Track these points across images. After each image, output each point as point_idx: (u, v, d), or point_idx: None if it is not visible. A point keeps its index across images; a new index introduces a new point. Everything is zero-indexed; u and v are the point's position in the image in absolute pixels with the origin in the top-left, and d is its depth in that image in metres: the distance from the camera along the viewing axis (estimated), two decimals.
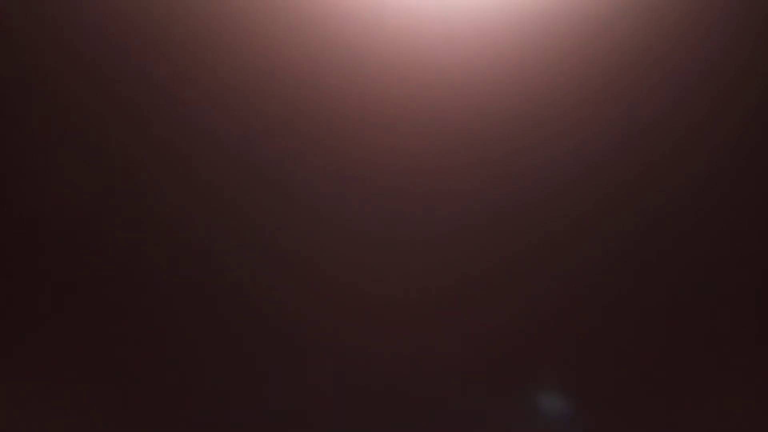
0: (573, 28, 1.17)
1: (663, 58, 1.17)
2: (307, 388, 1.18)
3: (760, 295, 1.16)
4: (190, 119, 1.19)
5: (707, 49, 1.17)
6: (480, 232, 1.18)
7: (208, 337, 1.18)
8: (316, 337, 1.18)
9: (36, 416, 1.17)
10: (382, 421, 1.18)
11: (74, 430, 1.17)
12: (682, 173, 1.17)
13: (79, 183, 1.19)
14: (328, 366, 1.18)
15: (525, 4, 1.17)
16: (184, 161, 1.19)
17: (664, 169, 1.17)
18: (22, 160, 1.19)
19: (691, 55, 1.17)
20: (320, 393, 1.18)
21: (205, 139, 1.19)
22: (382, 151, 1.18)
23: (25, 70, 1.20)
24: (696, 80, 1.17)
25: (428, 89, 1.18)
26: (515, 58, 1.17)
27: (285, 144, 1.19)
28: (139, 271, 1.19)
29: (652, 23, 1.17)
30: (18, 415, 1.17)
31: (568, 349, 1.17)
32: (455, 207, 1.18)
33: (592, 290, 1.17)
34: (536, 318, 1.17)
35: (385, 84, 1.18)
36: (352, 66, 1.18)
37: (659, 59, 1.17)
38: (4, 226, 1.19)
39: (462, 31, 1.17)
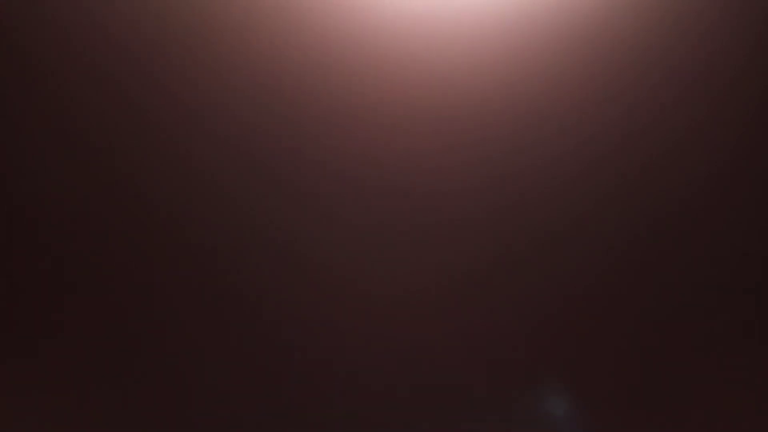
0: (573, 27, 1.16)
1: (663, 58, 1.16)
2: (308, 387, 1.18)
3: (760, 294, 1.16)
4: (192, 119, 1.19)
5: (707, 48, 1.17)
6: (481, 231, 1.18)
7: (209, 336, 1.18)
8: (318, 336, 1.18)
9: (36, 416, 1.17)
10: (382, 420, 1.18)
11: (75, 431, 1.17)
12: (682, 173, 1.17)
13: (81, 182, 1.19)
14: (329, 365, 1.18)
15: (525, 4, 1.17)
16: (186, 160, 1.19)
17: (664, 168, 1.17)
18: (23, 160, 1.19)
19: (691, 54, 1.17)
20: (321, 392, 1.18)
21: (207, 139, 1.19)
22: (384, 151, 1.18)
23: (26, 70, 1.20)
24: (696, 80, 1.17)
25: (429, 88, 1.17)
26: (516, 58, 1.17)
27: (286, 143, 1.19)
28: (141, 271, 1.18)
29: (652, 23, 1.16)
30: (19, 415, 1.17)
31: (569, 348, 1.17)
32: (456, 206, 1.18)
33: (592, 290, 1.17)
34: (537, 317, 1.17)
35: (386, 83, 1.18)
36: (353, 65, 1.18)
37: (659, 58, 1.16)
38: (6, 226, 1.19)
39: (463, 30, 1.17)
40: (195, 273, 1.18)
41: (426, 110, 1.18)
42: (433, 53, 1.17)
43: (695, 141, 1.17)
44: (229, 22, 1.18)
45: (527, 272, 1.17)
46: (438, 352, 1.18)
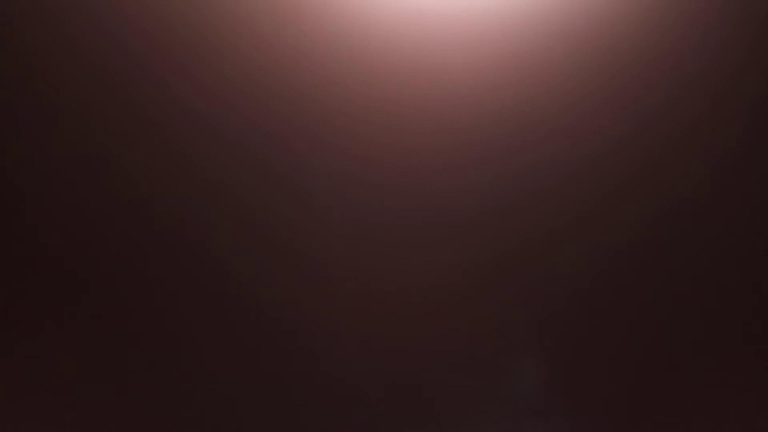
0: (574, 27, 1.16)
1: (662, 57, 1.16)
2: (308, 386, 1.18)
3: (760, 294, 1.15)
4: (193, 118, 1.19)
5: (706, 47, 1.17)
6: (482, 229, 1.18)
7: (210, 335, 1.18)
8: (321, 335, 1.18)
9: (36, 415, 1.17)
10: (384, 418, 1.17)
11: (75, 430, 1.17)
12: (682, 171, 1.17)
13: (82, 180, 1.19)
14: (330, 364, 1.18)
15: (525, 4, 1.17)
16: (190, 161, 1.19)
17: (664, 167, 1.17)
18: (25, 159, 1.20)
19: (690, 53, 1.17)
20: (321, 391, 1.17)
21: (211, 139, 1.19)
22: (385, 150, 1.18)
23: (28, 70, 1.20)
24: (695, 79, 1.17)
25: (430, 88, 1.17)
26: (516, 57, 1.17)
27: (289, 143, 1.19)
28: (144, 271, 1.19)
29: (651, 22, 1.16)
30: (18, 415, 1.17)
31: (569, 347, 1.17)
32: (457, 205, 1.18)
33: (592, 288, 1.17)
34: (537, 315, 1.17)
35: (386, 83, 1.18)
36: (354, 65, 1.18)
37: (658, 58, 1.16)
38: (7, 225, 1.19)
39: (463, 30, 1.17)
40: (196, 272, 1.18)
41: (426, 110, 1.18)
42: (433, 53, 1.17)
43: (695, 139, 1.17)
44: (235, 22, 1.18)
45: (528, 271, 1.17)
46: (439, 351, 1.18)
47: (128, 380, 1.17)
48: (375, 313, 1.18)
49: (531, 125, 1.17)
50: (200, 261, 1.18)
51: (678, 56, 1.16)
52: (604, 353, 1.17)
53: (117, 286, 1.18)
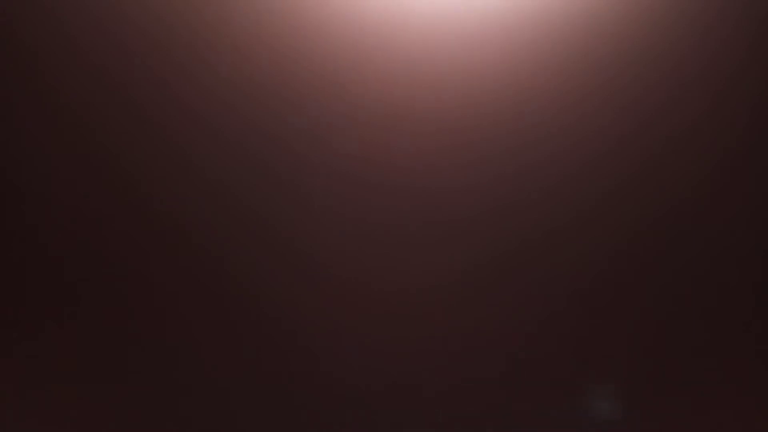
0: (574, 27, 1.16)
1: (662, 57, 1.16)
2: (311, 386, 1.18)
3: (760, 293, 1.16)
4: (195, 119, 1.19)
5: (706, 47, 1.17)
6: (483, 229, 1.18)
7: (213, 336, 1.18)
8: (321, 334, 1.18)
9: (36, 416, 1.17)
10: (385, 419, 1.17)
11: (75, 430, 1.17)
12: (682, 171, 1.17)
13: (84, 182, 1.19)
14: (332, 363, 1.18)
15: (525, 4, 1.17)
16: (190, 161, 1.19)
17: (665, 167, 1.17)
18: (26, 159, 1.20)
19: (690, 53, 1.17)
20: (322, 391, 1.17)
21: (211, 139, 1.19)
22: (386, 150, 1.18)
23: (28, 71, 1.20)
24: (695, 79, 1.17)
25: (430, 89, 1.17)
26: (516, 58, 1.17)
27: (289, 143, 1.19)
28: (143, 271, 1.18)
29: (652, 23, 1.16)
30: (19, 415, 1.17)
31: (570, 347, 1.17)
32: (457, 205, 1.18)
33: (593, 288, 1.17)
34: (538, 315, 1.17)
35: (387, 83, 1.18)
36: (354, 66, 1.18)
37: (658, 58, 1.16)
38: (7, 226, 1.19)
39: (463, 32, 1.17)
40: (196, 272, 1.18)
41: (428, 110, 1.17)
42: (432, 54, 1.17)
43: (695, 139, 1.17)
44: (232, 22, 1.18)
45: (528, 271, 1.17)
46: (440, 351, 1.18)
47: (128, 380, 1.17)
48: (375, 313, 1.18)
49: (531, 126, 1.17)
50: (200, 261, 1.18)
51: (678, 56, 1.16)
52: (603, 353, 1.17)
53: (117, 286, 1.18)
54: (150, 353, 1.17)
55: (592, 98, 1.16)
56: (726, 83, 1.16)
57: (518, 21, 1.17)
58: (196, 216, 1.18)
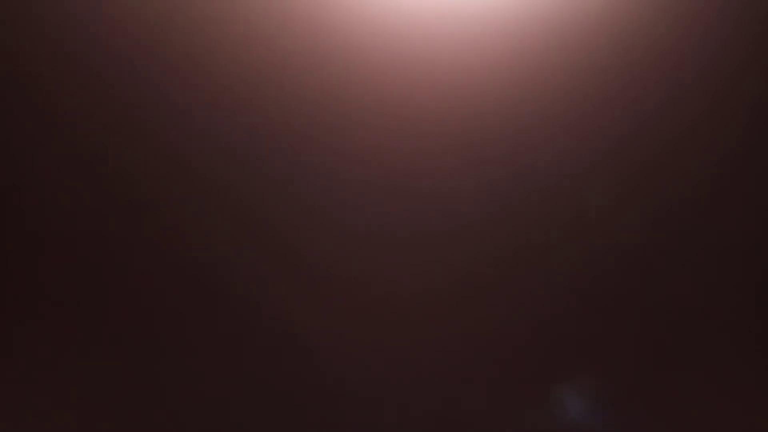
0: (576, 28, 1.17)
1: (663, 57, 1.17)
2: (307, 388, 1.17)
3: (761, 293, 1.16)
4: (189, 121, 1.18)
5: (707, 47, 1.17)
6: (484, 231, 1.18)
7: (210, 339, 1.18)
8: (320, 338, 1.17)
9: (36, 416, 1.16)
10: (384, 423, 1.17)
11: (72, 430, 1.16)
12: (685, 171, 1.17)
13: (80, 185, 1.18)
14: (330, 366, 1.17)
15: (526, 5, 1.17)
16: (186, 164, 1.19)
17: (666, 167, 1.17)
18: (18, 163, 1.19)
19: (690, 53, 1.17)
20: (322, 393, 1.17)
21: (207, 143, 1.19)
22: (385, 152, 1.18)
23: (23, 77, 1.19)
24: (696, 79, 1.17)
25: (429, 90, 1.18)
26: (517, 58, 1.17)
27: (286, 146, 1.19)
28: (142, 274, 1.18)
29: (653, 24, 1.17)
30: (18, 415, 1.16)
31: (573, 350, 1.17)
32: (458, 206, 1.18)
33: (596, 290, 1.17)
34: (541, 319, 1.17)
35: (386, 84, 1.18)
36: (353, 66, 1.18)
37: (659, 58, 1.17)
38: (5, 231, 1.17)
39: (463, 31, 1.17)
40: (193, 276, 1.18)
41: (427, 111, 1.18)
42: (434, 54, 1.18)
43: (697, 139, 1.17)
44: (229, 25, 1.18)
45: (532, 272, 1.18)
46: (442, 354, 1.17)
47: (126, 383, 1.17)
48: (373, 316, 1.18)
49: (533, 127, 1.18)
50: (195, 261, 1.18)
51: (679, 57, 1.17)
52: (605, 354, 1.17)
53: (117, 290, 1.18)
54: (150, 355, 1.17)
55: (594, 98, 1.17)
56: (728, 83, 1.17)
57: (519, 21, 1.17)
58: (196, 220, 1.18)
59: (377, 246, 1.18)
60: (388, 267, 1.18)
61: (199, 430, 1.17)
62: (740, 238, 1.17)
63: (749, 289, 1.16)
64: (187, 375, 1.17)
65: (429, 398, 1.17)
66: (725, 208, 1.17)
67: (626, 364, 1.17)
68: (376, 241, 1.18)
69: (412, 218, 1.18)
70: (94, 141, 1.18)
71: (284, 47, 1.18)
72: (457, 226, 1.18)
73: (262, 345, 1.18)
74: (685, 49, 1.17)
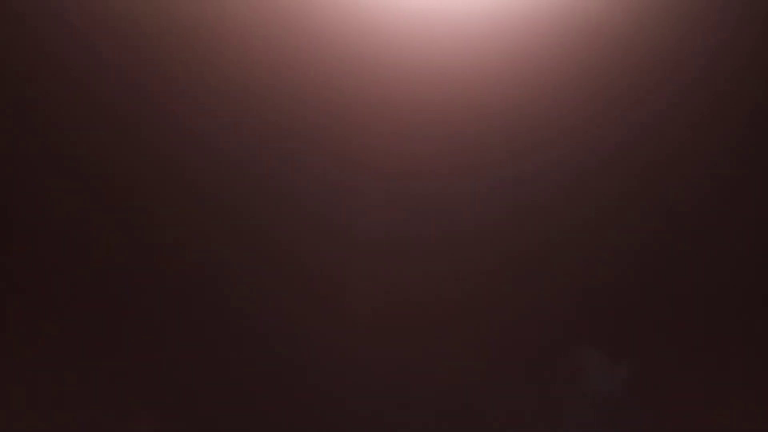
0: (578, 30, 1.17)
1: (667, 58, 1.17)
2: (307, 397, 1.17)
3: (761, 294, 1.16)
4: (184, 127, 1.19)
5: (709, 48, 1.17)
6: (485, 237, 1.18)
7: (201, 347, 1.18)
8: (319, 343, 1.17)
9: (34, 417, 1.16)
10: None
11: (69, 428, 1.17)
12: (689, 173, 1.18)
13: (73, 189, 1.18)
14: (329, 376, 1.17)
15: (528, 5, 1.17)
16: (179, 169, 1.19)
17: (671, 169, 1.18)
18: (12, 169, 1.19)
19: (692, 54, 1.17)
20: (323, 400, 1.17)
21: (201, 147, 1.19)
22: (385, 156, 1.18)
23: (13, 81, 1.19)
24: (698, 79, 1.17)
25: (429, 92, 1.18)
26: (518, 60, 1.17)
27: (283, 150, 1.19)
28: (134, 280, 1.18)
29: (655, 24, 1.17)
30: (17, 415, 1.16)
31: (575, 350, 1.17)
32: (459, 211, 1.18)
33: (602, 293, 1.17)
34: (545, 323, 1.17)
35: (386, 87, 1.18)
36: (351, 69, 1.18)
37: (663, 59, 1.17)
38: (3, 234, 1.18)
39: (464, 33, 1.17)
40: (187, 283, 1.18)
41: (428, 114, 1.18)
42: (433, 56, 1.18)
43: (700, 140, 1.17)
44: (222, 27, 1.18)
45: (535, 277, 1.17)
46: (444, 361, 1.17)
47: (125, 384, 1.17)
48: (375, 322, 1.17)
49: (534, 128, 1.18)
50: (192, 271, 1.18)
51: (681, 58, 1.17)
52: (608, 357, 1.17)
53: (110, 293, 1.18)
54: (141, 360, 1.17)
55: (598, 100, 1.17)
56: (728, 83, 1.17)
57: (521, 22, 1.17)
58: (189, 225, 1.18)
59: (380, 251, 1.18)
60: (391, 272, 1.18)
61: (200, 430, 1.17)
62: (744, 237, 1.17)
63: (754, 292, 1.16)
64: (186, 377, 1.17)
65: (434, 405, 1.17)
66: (726, 208, 1.17)
67: (638, 367, 1.17)
68: (379, 247, 1.18)
69: (415, 223, 1.18)
70: (87, 146, 1.18)
71: (281, 50, 1.18)
72: (461, 230, 1.18)
73: (260, 353, 1.17)
74: (687, 49, 1.17)
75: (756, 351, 1.16)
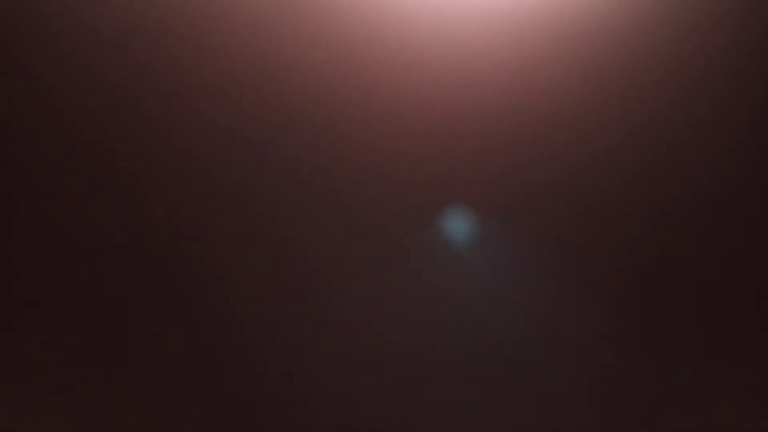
0: (579, 29, 1.17)
1: (667, 55, 1.17)
2: (307, 397, 1.17)
3: (760, 296, 1.16)
4: (194, 119, 1.19)
5: (709, 47, 1.17)
6: (485, 237, 1.18)
7: (210, 342, 1.18)
8: (319, 344, 1.18)
9: (32, 417, 1.17)
10: None
11: (69, 428, 1.17)
12: (690, 172, 1.17)
13: (80, 181, 1.19)
14: (329, 376, 1.17)
15: (529, 5, 1.17)
16: (187, 162, 1.19)
17: (671, 168, 1.17)
18: (19, 162, 1.19)
19: (693, 53, 1.17)
20: (320, 402, 1.17)
21: (209, 140, 1.19)
22: (386, 157, 1.18)
23: (24, 73, 1.20)
24: (698, 79, 1.17)
25: (433, 90, 1.18)
26: (519, 59, 1.17)
27: (287, 147, 1.19)
28: (140, 273, 1.18)
29: (656, 23, 1.17)
30: (17, 415, 1.16)
31: (572, 348, 1.17)
32: (459, 212, 1.18)
33: (602, 293, 1.17)
34: (545, 314, 1.17)
35: (390, 84, 1.18)
36: (356, 69, 1.18)
37: (664, 55, 1.17)
38: (5, 229, 1.18)
39: (466, 31, 1.17)
40: (191, 279, 1.18)
41: (430, 112, 1.18)
42: (436, 54, 1.18)
43: (699, 138, 1.17)
44: (234, 21, 1.18)
45: (534, 279, 1.17)
46: (443, 362, 1.17)
47: (123, 385, 1.17)
48: (375, 327, 1.17)
49: (538, 128, 1.17)
50: (197, 268, 1.18)
51: (682, 56, 1.17)
52: (613, 355, 1.17)
53: (116, 288, 1.18)
54: (144, 356, 1.17)
55: (598, 100, 1.17)
56: (729, 83, 1.17)
57: (522, 20, 1.17)
58: (196, 218, 1.18)
59: (382, 250, 1.18)
60: (391, 271, 1.18)
61: (200, 430, 1.18)
62: (745, 238, 1.17)
63: (754, 292, 1.16)
64: (185, 378, 1.17)
65: (432, 402, 1.17)
66: (726, 208, 1.17)
67: (635, 367, 1.17)
68: (382, 244, 1.18)
69: (414, 222, 1.18)
70: (97, 139, 1.19)
71: (289, 44, 1.18)
72: (458, 230, 1.18)
73: (259, 351, 1.18)
74: (687, 48, 1.17)
75: (756, 351, 1.16)
